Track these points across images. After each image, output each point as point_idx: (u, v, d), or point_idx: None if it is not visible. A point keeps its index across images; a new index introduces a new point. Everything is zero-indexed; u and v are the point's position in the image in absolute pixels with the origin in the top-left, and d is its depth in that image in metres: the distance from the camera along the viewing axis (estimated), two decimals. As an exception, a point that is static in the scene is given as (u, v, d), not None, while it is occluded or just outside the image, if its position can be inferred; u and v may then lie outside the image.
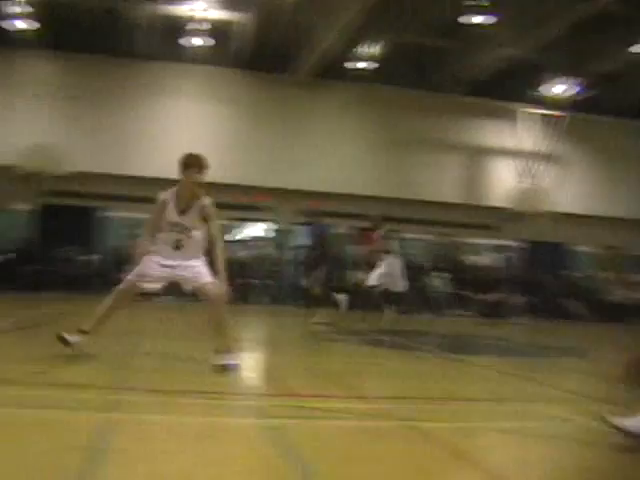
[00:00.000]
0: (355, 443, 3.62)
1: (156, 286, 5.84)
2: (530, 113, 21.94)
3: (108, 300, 5.66)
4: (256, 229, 21.74)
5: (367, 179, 20.15)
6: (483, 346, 11.48)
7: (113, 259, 18.38)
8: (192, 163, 5.84)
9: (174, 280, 5.80)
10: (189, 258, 5.72)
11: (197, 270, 5.70)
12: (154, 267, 5.67)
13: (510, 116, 21.68)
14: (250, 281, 18.95)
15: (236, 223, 21.07)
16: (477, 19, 16.59)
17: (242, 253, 19.75)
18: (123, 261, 18.14)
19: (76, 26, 18.64)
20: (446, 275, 19.75)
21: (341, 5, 15.18)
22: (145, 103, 19.40)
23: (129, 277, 5.69)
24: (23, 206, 18.67)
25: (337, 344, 9.83)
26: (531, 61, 19.43)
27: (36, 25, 17.77)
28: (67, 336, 5.49)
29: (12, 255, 17.85)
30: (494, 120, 21.42)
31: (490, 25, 16.83)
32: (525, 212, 20.96)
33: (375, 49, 18.79)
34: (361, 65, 19.35)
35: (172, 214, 5.71)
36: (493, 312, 19.03)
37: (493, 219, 21.61)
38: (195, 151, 6.04)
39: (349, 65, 19.50)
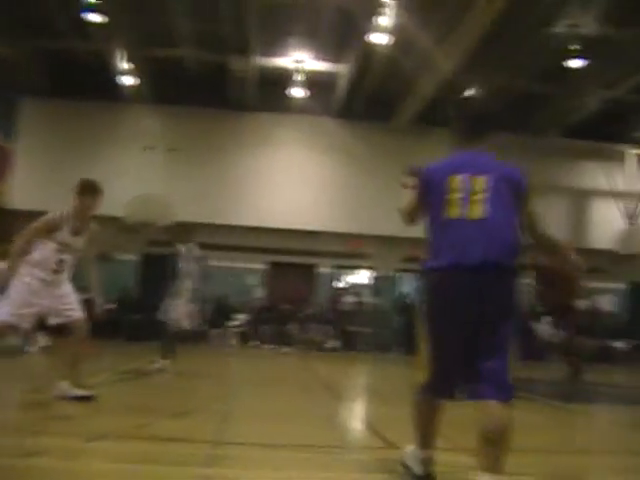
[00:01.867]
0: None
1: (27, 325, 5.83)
2: (632, 154, 21.47)
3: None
4: (360, 277, 21.79)
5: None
6: (594, 394, 10.97)
7: (216, 309, 18.87)
8: (88, 189, 6.04)
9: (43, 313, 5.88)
10: (62, 282, 5.88)
11: (68, 301, 5.88)
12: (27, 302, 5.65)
13: (613, 157, 21.18)
14: (355, 329, 18.95)
15: (341, 271, 21.25)
16: (575, 63, 16.43)
17: (346, 301, 19.84)
18: (227, 310, 18.74)
19: (182, 79, 19.66)
20: (550, 319, 19.10)
21: (440, 51, 15.27)
22: (247, 153, 19.96)
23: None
24: (128, 256, 19.39)
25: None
26: (630, 102, 18.98)
27: (144, 79, 18.88)
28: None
29: (114, 305, 18.32)
30: (597, 162, 20.85)
31: (588, 68, 16.61)
32: (632, 254, 20.24)
33: (475, 93, 18.72)
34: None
35: (65, 235, 5.85)
36: (600, 357, 18.28)
37: (599, 262, 20.89)
38: (90, 178, 6.22)
39: (448, 112, 19.52)
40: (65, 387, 5.83)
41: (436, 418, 3.77)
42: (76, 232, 5.96)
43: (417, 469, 3.74)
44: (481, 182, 3.42)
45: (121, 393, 7.36)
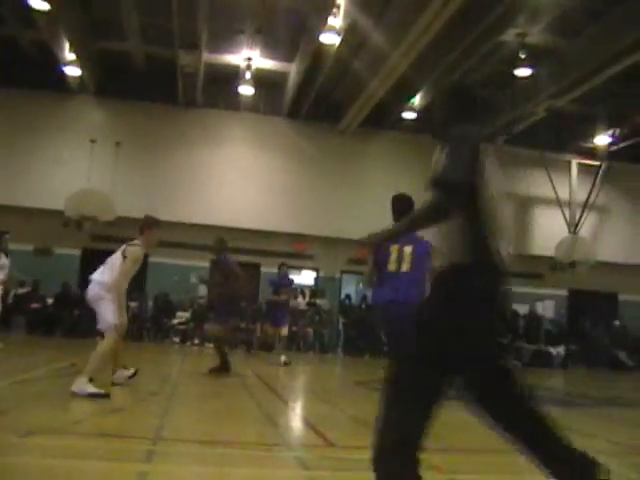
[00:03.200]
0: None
1: None
2: (575, 163, 22.13)
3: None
4: (304, 277, 21.77)
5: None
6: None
7: (160, 305, 18.66)
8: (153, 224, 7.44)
9: None
10: None
11: None
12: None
13: (558, 166, 21.65)
14: (298, 329, 18.96)
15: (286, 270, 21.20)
16: (522, 72, 16.73)
17: (293, 301, 19.84)
18: (170, 308, 18.54)
19: (130, 73, 19.39)
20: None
21: (387, 55, 15.39)
22: (195, 150, 19.75)
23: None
24: (69, 250, 19.03)
25: (377, 393, 9.74)
26: (575, 112, 19.48)
27: (90, 71, 18.56)
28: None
29: (51, 300, 17.99)
30: (542, 170, 21.27)
31: (535, 77, 17.01)
32: (570, 261, 20.76)
33: (420, 99, 18.96)
34: (407, 115, 19.53)
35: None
36: (538, 361, 18.77)
37: (539, 268, 21.41)
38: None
39: (397, 114, 19.70)
40: None
41: None
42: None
43: None
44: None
45: (57, 389, 7.22)
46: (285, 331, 12.79)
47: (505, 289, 3.03)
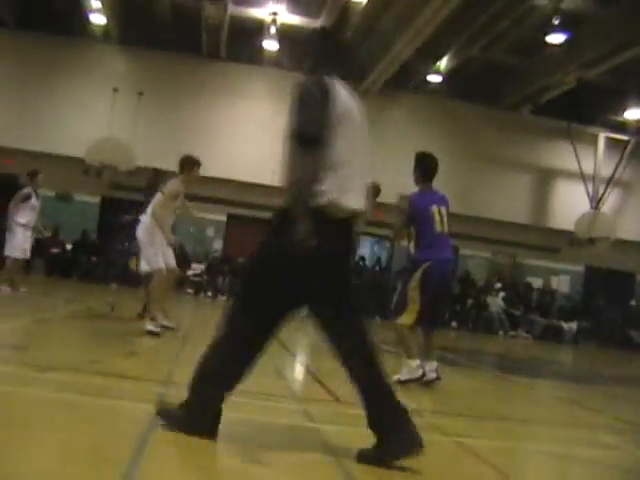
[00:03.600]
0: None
1: None
2: (602, 136, 21.59)
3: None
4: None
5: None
6: (537, 368, 11.29)
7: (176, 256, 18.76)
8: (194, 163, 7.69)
9: None
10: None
11: None
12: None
13: (584, 139, 21.25)
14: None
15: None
16: (555, 38, 16.30)
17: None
18: (184, 259, 18.65)
19: (155, 22, 19.22)
20: (503, 295, 19.46)
21: (416, 14, 15.12)
22: (216, 102, 19.59)
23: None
24: (88, 198, 19.10)
25: (387, 355, 9.82)
26: (606, 84, 19.04)
27: (115, 19, 18.43)
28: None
29: (70, 246, 18.22)
30: (565, 142, 20.93)
31: (567, 45, 16.60)
32: (589, 237, 20.52)
33: (447, 62, 18.71)
34: (432, 78, 19.29)
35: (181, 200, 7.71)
36: (549, 335, 18.78)
37: (556, 242, 21.25)
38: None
39: (420, 77, 19.46)
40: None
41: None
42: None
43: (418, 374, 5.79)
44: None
45: (75, 329, 7.34)
46: None
47: (333, 235, 3.13)
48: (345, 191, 3.13)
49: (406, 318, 5.84)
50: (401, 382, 5.55)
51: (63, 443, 2.85)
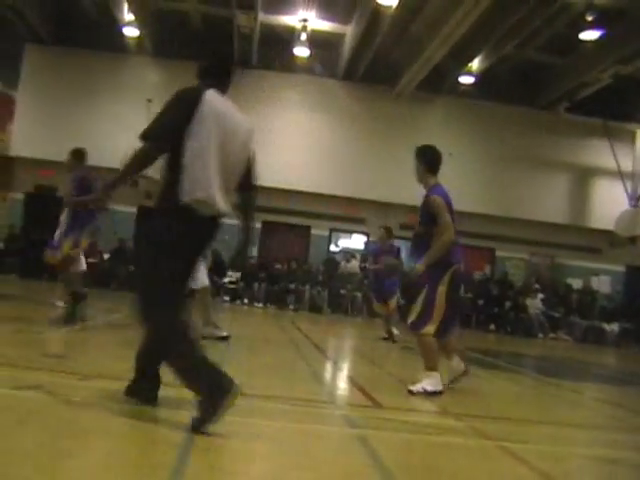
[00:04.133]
0: (440, 458, 3.61)
1: None
2: (639, 133, 21.23)
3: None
4: (355, 241, 21.76)
5: (467, 195, 19.76)
6: (579, 371, 11.11)
7: (212, 264, 18.88)
8: None
9: None
10: None
11: None
12: None
13: (622, 137, 20.92)
14: (346, 292, 18.98)
15: (336, 234, 21.25)
16: (589, 35, 16.05)
17: (339, 264, 19.83)
18: (221, 267, 18.75)
19: (187, 33, 19.42)
20: (542, 296, 19.20)
21: (446, 17, 15.05)
22: (249, 111, 19.35)
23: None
24: (125, 207, 19.29)
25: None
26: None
27: (148, 32, 18.67)
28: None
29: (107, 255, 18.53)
30: (602, 140, 20.62)
31: (602, 41, 16.33)
32: (630, 236, 20.14)
33: (479, 63, 18.58)
34: (464, 79, 19.16)
35: None
36: (590, 337, 18.46)
37: (596, 242, 20.91)
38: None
39: (452, 79, 19.34)
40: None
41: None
42: None
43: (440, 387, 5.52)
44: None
45: (114, 337, 7.42)
46: (393, 305, 10.87)
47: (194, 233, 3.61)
48: (198, 190, 3.47)
49: (431, 327, 5.48)
50: (427, 392, 5.42)
51: (108, 450, 2.88)
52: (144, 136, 3.56)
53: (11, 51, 19.51)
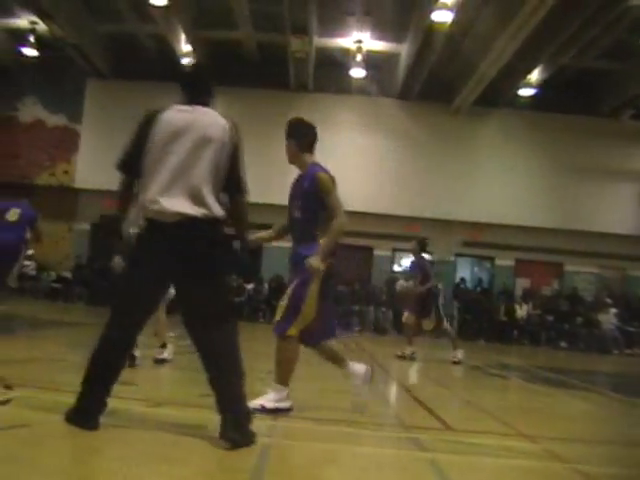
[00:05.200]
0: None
1: None
2: None
3: None
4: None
5: (531, 209, 19.47)
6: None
7: (274, 288, 18.97)
8: None
9: None
10: None
11: None
12: None
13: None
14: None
15: (398, 254, 21.11)
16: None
17: (402, 284, 19.61)
18: (282, 290, 18.84)
19: (242, 60, 19.79)
20: (615, 311, 18.59)
21: (500, 32, 14.90)
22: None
23: None
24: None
25: (493, 378, 9.55)
26: None
27: (204, 61, 19.07)
28: None
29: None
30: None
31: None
32: None
33: (538, 74, 18.28)
34: (523, 91, 18.88)
35: None
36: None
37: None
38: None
39: (511, 92, 19.08)
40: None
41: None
42: None
43: (287, 404, 4.60)
44: None
45: (182, 364, 7.48)
46: (427, 324, 10.79)
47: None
48: (157, 200, 3.58)
49: (294, 329, 4.66)
50: (266, 410, 4.54)
51: (177, 477, 2.87)
52: (117, 167, 3.88)
53: (75, 87, 20.30)
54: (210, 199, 3.64)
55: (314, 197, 4.76)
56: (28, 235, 9.26)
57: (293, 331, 4.60)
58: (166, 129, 3.66)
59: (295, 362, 4.70)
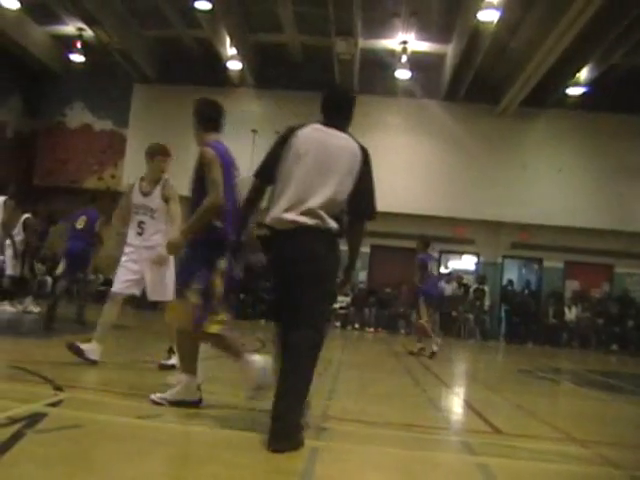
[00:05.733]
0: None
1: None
2: None
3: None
4: (465, 263, 21.42)
5: (580, 211, 19.09)
6: None
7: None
8: (156, 151, 6.47)
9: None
10: (148, 240, 6.09)
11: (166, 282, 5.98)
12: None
13: None
14: (458, 315, 18.65)
15: (445, 256, 21.00)
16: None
17: (449, 286, 19.51)
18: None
19: (287, 63, 19.89)
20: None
21: (548, 31, 14.66)
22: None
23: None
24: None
25: (543, 382, 9.42)
26: None
27: (249, 64, 19.25)
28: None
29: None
30: None
31: None
32: None
33: (587, 73, 17.94)
34: (572, 91, 18.54)
35: (137, 196, 6.23)
36: None
37: None
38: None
39: (560, 92, 18.76)
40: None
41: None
42: (145, 193, 6.25)
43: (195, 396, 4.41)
44: None
45: (228, 367, 7.53)
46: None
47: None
48: (285, 211, 3.77)
49: (216, 319, 4.34)
50: (170, 402, 4.34)
51: (226, 478, 2.90)
52: (254, 174, 4.13)
53: (121, 91, 20.66)
54: (326, 216, 3.76)
55: (198, 175, 4.56)
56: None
57: (214, 327, 4.32)
58: (300, 145, 3.87)
59: (194, 350, 4.52)
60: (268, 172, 3.98)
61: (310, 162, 3.81)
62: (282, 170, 3.87)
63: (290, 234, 3.74)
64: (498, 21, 14.77)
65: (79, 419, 3.70)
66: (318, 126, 4.00)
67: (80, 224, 9.88)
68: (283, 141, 3.95)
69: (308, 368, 3.64)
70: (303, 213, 3.72)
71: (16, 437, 3.07)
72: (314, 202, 3.74)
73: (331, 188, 3.78)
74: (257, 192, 4.16)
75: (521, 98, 18.59)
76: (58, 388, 4.52)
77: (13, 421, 3.37)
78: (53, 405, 3.97)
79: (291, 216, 3.73)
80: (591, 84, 18.17)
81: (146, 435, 3.55)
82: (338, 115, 4.13)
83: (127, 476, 2.76)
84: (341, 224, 3.86)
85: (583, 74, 17.91)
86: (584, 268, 20.04)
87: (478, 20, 14.86)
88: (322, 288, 3.80)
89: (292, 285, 3.77)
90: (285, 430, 3.42)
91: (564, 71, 17.33)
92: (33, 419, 3.48)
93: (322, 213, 3.74)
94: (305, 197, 3.75)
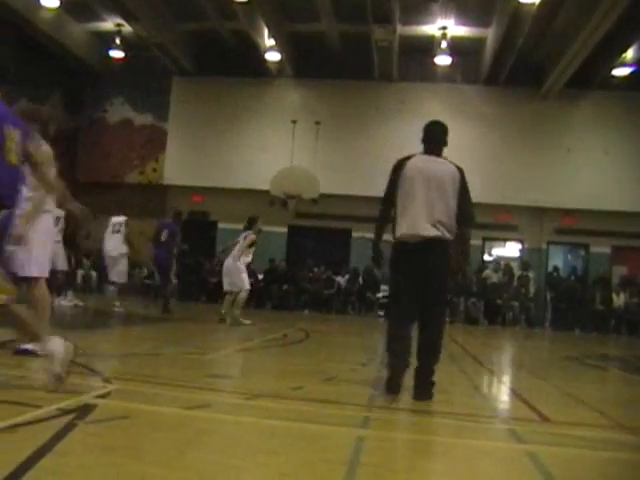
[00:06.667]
0: (618, 477, 3.37)
1: None
2: None
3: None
4: (509, 249, 21.18)
5: (628, 193, 18.66)
6: None
7: (366, 280, 18.95)
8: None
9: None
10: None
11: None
12: None
13: None
14: (502, 302, 18.43)
15: (489, 243, 20.80)
16: None
17: (493, 273, 19.31)
18: (374, 282, 18.78)
19: (325, 52, 19.82)
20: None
21: (592, 9, 14.33)
22: (391, 124, 19.67)
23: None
24: (275, 228, 19.75)
25: (590, 369, 9.27)
26: None
27: (287, 55, 19.25)
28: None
29: (261, 276, 18.78)
30: None
31: None
32: None
33: (634, 52, 17.50)
34: (618, 71, 18.10)
35: None
36: None
37: None
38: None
39: (605, 72, 18.34)
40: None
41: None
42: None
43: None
44: None
45: (272, 357, 7.60)
46: None
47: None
48: (406, 228, 4.85)
49: None
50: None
51: (276, 467, 2.92)
52: (381, 202, 5.19)
53: (160, 85, 20.84)
54: (443, 228, 4.79)
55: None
56: (175, 250, 12.81)
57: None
58: (411, 174, 4.89)
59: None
60: (390, 197, 5.02)
61: (426, 185, 4.80)
62: (400, 195, 4.89)
63: (421, 246, 4.74)
64: (540, 1, 14.49)
65: (128, 410, 3.75)
66: (423, 156, 5.02)
67: (164, 237, 12.39)
68: (397, 171, 4.97)
69: (439, 345, 5.01)
70: (430, 226, 4.74)
71: (68, 428, 3.14)
72: (437, 216, 4.76)
73: (445, 204, 4.81)
74: (385, 215, 5.16)
75: (564, 80, 18.24)
76: (107, 380, 4.61)
77: (64, 412, 3.44)
78: (102, 397, 4.04)
79: (421, 231, 4.74)
80: (638, 63, 17.73)
81: (195, 425, 3.59)
82: (436, 144, 5.12)
83: (178, 465, 2.80)
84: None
85: (629, 54, 17.48)
86: (632, 253, 19.62)
87: (518, 2, 14.60)
88: (445, 285, 5.04)
89: (426, 285, 4.80)
90: (426, 388, 4.80)
91: (609, 51, 16.93)
92: (84, 410, 3.55)
93: (442, 226, 4.77)
94: (429, 213, 4.76)
